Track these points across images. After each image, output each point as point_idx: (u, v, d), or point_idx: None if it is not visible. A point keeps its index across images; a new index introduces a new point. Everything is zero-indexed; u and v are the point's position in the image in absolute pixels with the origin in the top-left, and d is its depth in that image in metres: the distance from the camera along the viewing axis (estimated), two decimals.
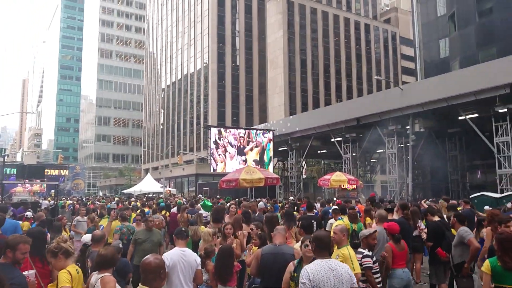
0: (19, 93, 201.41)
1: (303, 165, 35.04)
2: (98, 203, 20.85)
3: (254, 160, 25.85)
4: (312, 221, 8.40)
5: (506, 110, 18.67)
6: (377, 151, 35.56)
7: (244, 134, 27.77)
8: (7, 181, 23.91)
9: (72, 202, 23.39)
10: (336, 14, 75.11)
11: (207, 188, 33.91)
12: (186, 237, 4.84)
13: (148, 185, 41.33)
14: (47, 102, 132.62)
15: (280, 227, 4.95)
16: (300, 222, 5.62)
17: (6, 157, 47.50)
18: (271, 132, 31.02)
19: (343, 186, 17.00)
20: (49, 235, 7.68)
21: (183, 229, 4.82)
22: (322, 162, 49.96)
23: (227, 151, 26.53)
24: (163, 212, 13.69)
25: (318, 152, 38.07)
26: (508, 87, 18.39)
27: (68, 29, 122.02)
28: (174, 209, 13.44)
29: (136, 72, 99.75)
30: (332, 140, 29.14)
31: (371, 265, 4.76)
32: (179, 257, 4.51)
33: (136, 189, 41.13)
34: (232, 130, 28.35)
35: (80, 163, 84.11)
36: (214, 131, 27.41)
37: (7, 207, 12.94)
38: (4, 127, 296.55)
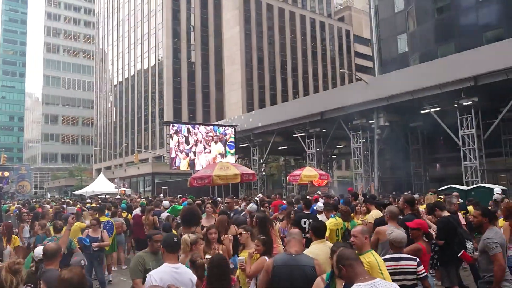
0: None
1: (266, 161, 34.31)
2: (48, 206, 19.00)
3: (219, 154, 24.79)
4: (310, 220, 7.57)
5: (470, 102, 18.78)
6: (337, 146, 35.56)
7: (210, 131, 26.72)
8: None
9: (18, 206, 21.27)
10: (292, 11, 75.14)
11: (166, 187, 32.47)
12: (179, 249, 3.76)
13: (101, 185, 39.23)
14: None
15: (295, 231, 3.99)
16: (310, 223, 4.66)
17: None
18: (232, 128, 30.05)
19: (314, 181, 16.35)
20: None
21: (175, 238, 3.69)
22: (282, 159, 49.53)
23: (196, 147, 25.31)
24: (125, 214, 12.39)
25: (279, 148, 37.48)
26: (473, 80, 18.50)
27: (11, 22, 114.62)
28: (137, 211, 12.19)
29: (86, 68, 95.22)
30: (295, 135, 28.58)
31: (425, 273, 3.98)
32: (172, 277, 3.44)
33: (88, 190, 38.92)
34: (200, 127, 27.15)
35: (25, 164, 78.98)
36: (181, 128, 26.08)
37: None
38: None
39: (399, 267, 3.87)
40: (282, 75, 72.29)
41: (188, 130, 25.97)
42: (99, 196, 30.96)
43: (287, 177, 17.34)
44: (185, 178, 36.70)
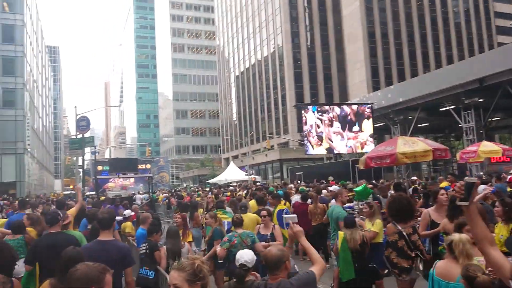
0: (102, 95, 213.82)
1: None
2: (195, 194, 19.10)
3: (370, 135, 22.69)
4: None
5: None
6: (493, 118, 30.56)
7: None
8: (101, 176, 23.20)
9: (166, 195, 22.02)
10: None
11: (301, 172, 31.36)
12: None
13: (232, 173, 40.18)
14: (127, 101, 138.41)
15: None
16: None
17: (96, 155, 48.66)
18: (369, 106, 27.55)
19: (496, 157, 13.39)
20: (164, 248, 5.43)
21: None
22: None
23: (332, 127, 23.63)
24: (282, 202, 11.18)
25: (419, 126, 33.73)
26: None
27: (141, 29, 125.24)
28: (296, 198, 10.89)
29: (209, 63, 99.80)
30: (445, 108, 24.93)
31: None
32: None
33: (221, 178, 40.18)
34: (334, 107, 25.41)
35: (163, 156, 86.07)
36: (310, 111, 24.64)
37: (101, 204, 11.31)
38: (92, 128, 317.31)
39: None
40: (410, 47, 66.28)
41: (322, 110, 24.31)
42: (232, 184, 31.19)
43: (459, 155, 14.48)
44: (315, 164, 35.29)
